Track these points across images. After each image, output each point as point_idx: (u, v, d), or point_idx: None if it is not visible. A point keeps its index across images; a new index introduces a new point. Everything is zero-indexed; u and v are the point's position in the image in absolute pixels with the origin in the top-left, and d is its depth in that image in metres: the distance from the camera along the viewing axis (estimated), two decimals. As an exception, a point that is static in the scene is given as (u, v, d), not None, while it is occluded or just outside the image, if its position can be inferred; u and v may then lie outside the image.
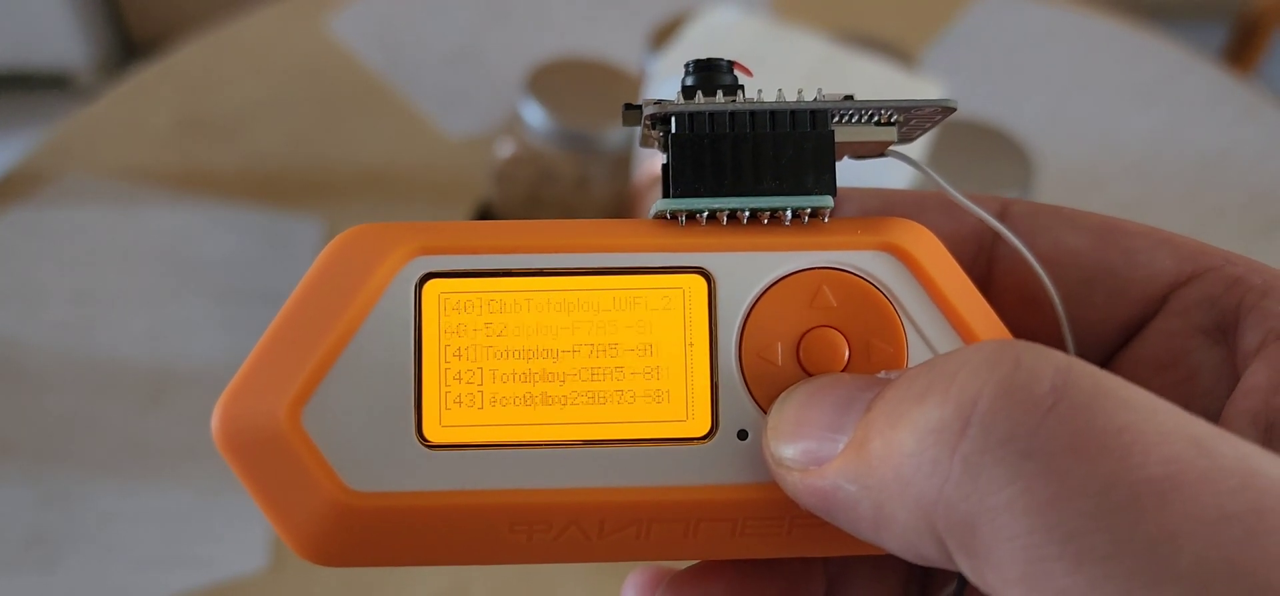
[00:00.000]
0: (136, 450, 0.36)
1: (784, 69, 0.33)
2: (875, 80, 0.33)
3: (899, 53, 0.45)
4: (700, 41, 0.34)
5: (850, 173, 0.14)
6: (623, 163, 0.40)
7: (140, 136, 0.48)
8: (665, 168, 0.13)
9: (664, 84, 0.33)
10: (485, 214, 0.45)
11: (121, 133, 0.48)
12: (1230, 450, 0.09)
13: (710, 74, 0.13)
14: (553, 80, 0.40)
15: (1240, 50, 0.76)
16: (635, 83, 0.41)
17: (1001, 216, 0.14)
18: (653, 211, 0.13)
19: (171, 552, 0.33)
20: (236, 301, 0.41)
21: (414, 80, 0.52)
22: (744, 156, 0.12)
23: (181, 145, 0.48)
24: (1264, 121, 0.54)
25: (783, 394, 0.13)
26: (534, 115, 0.39)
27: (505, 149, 0.42)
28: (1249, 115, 0.54)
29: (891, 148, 0.13)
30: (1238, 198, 0.49)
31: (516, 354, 0.13)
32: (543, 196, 0.41)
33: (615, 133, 0.39)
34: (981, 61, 0.56)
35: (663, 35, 0.42)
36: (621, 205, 0.41)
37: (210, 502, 0.35)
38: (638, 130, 0.13)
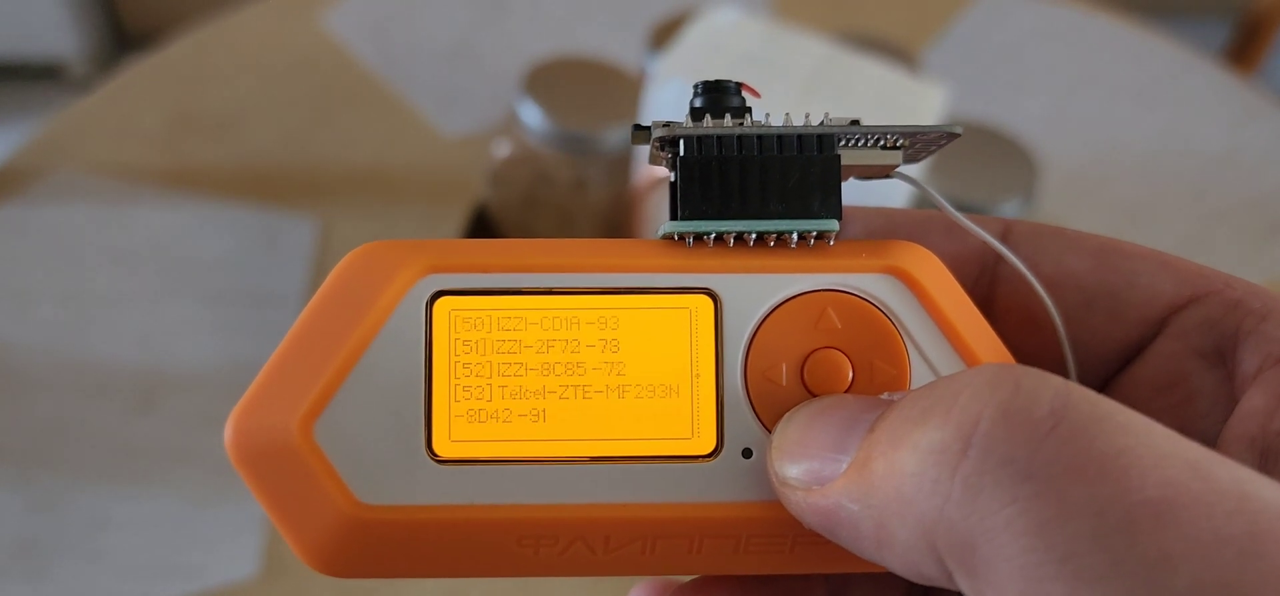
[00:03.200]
0: (127, 455, 0.36)
1: (785, 71, 0.33)
2: (877, 82, 0.33)
3: (900, 53, 0.45)
4: (701, 42, 0.34)
5: (854, 189, 0.14)
6: (621, 165, 0.40)
7: (132, 133, 0.48)
8: (673, 188, 0.13)
9: (664, 86, 0.33)
10: (481, 216, 0.45)
11: (113, 129, 0.48)
12: (1226, 474, 0.09)
13: (718, 95, 0.13)
14: (551, 80, 0.40)
15: (1243, 50, 0.76)
16: (635, 83, 0.41)
17: (1004, 237, 0.14)
18: (660, 232, 0.13)
19: (162, 560, 0.33)
20: (229, 302, 0.41)
21: (409, 77, 0.52)
22: (751, 179, 0.13)
23: (173, 142, 0.47)
24: (1268, 123, 0.54)
25: (787, 414, 0.13)
26: (531, 115, 0.39)
27: (502, 150, 0.42)
28: (1253, 116, 0.54)
29: (896, 171, 0.13)
30: (1242, 200, 0.49)
31: (525, 371, 0.13)
32: (539, 198, 0.41)
33: (614, 134, 0.39)
34: (983, 61, 0.56)
35: (663, 35, 0.42)
36: (620, 208, 0.41)
37: (202, 509, 0.34)
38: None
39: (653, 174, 0.36)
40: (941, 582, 0.11)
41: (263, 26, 0.54)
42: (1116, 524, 0.09)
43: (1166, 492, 0.09)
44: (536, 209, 0.42)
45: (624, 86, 0.40)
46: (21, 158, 0.46)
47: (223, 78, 0.51)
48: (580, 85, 0.40)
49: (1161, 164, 0.51)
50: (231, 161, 0.47)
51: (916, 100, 0.33)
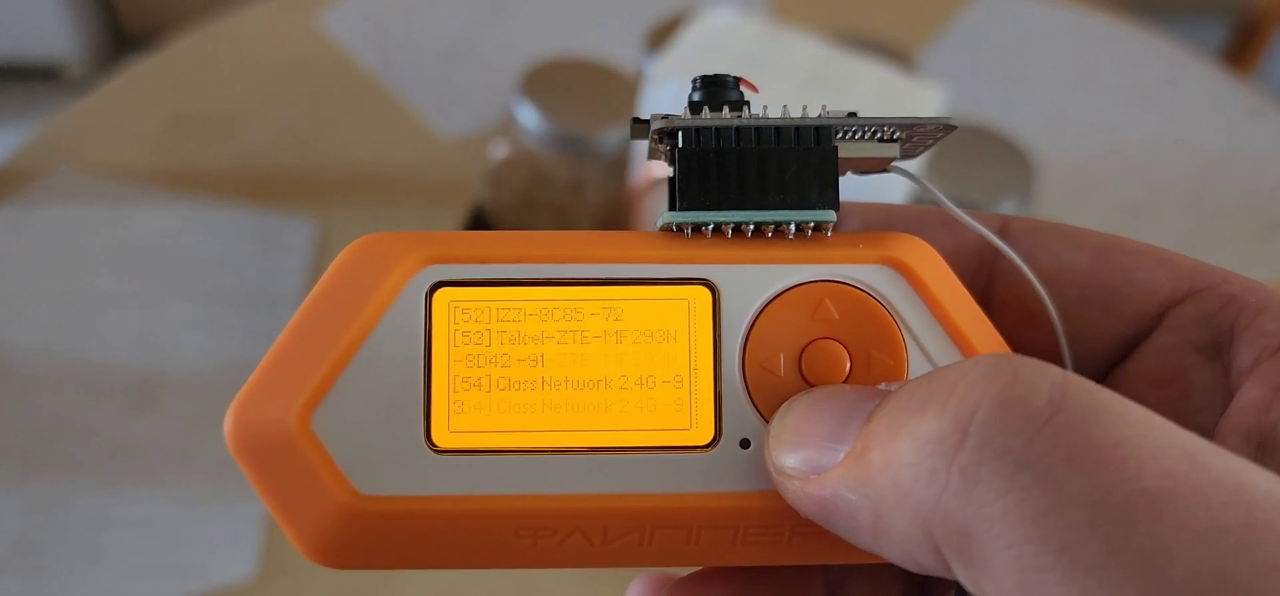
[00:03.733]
0: (125, 455, 0.36)
1: (782, 71, 0.33)
2: (874, 83, 0.33)
3: (897, 53, 0.46)
4: (698, 43, 0.34)
5: (853, 184, 0.14)
6: (618, 166, 0.40)
7: (130, 134, 0.48)
8: (671, 181, 0.13)
9: (662, 86, 0.33)
10: (479, 217, 0.45)
11: (111, 130, 0.48)
12: (1222, 464, 0.09)
13: (717, 89, 0.13)
14: (548, 81, 0.40)
15: (1241, 50, 0.77)
16: (632, 84, 0.41)
17: (1002, 233, 0.14)
18: (659, 223, 0.13)
19: (161, 560, 0.33)
20: (227, 303, 0.41)
21: (407, 78, 0.52)
22: (749, 171, 0.13)
23: (172, 143, 0.47)
24: (1266, 123, 0.54)
25: (785, 404, 0.13)
26: (528, 117, 0.39)
27: (499, 151, 0.42)
28: (1251, 117, 0.54)
29: (893, 164, 0.13)
30: (1240, 200, 0.49)
31: (524, 361, 0.13)
32: (537, 199, 0.41)
33: (611, 135, 0.39)
34: (981, 62, 0.57)
35: (660, 36, 0.42)
36: (617, 209, 0.41)
37: (200, 509, 0.34)
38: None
39: (650, 175, 0.36)
40: (939, 572, 0.11)
41: (261, 27, 0.54)
42: (1113, 513, 0.09)
43: (1163, 482, 0.09)
44: (534, 210, 0.42)
45: (621, 88, 0.41)
46: (20, 158, 0.46)
47: (221, 78, 0.51)
48: (578, 86, 0.40)
49: (1160, 164, 0.51)
50: (230, 162, 0.47)
51: (914, 101, 0.33)
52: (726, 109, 0.13)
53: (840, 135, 0.13)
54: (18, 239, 0.42)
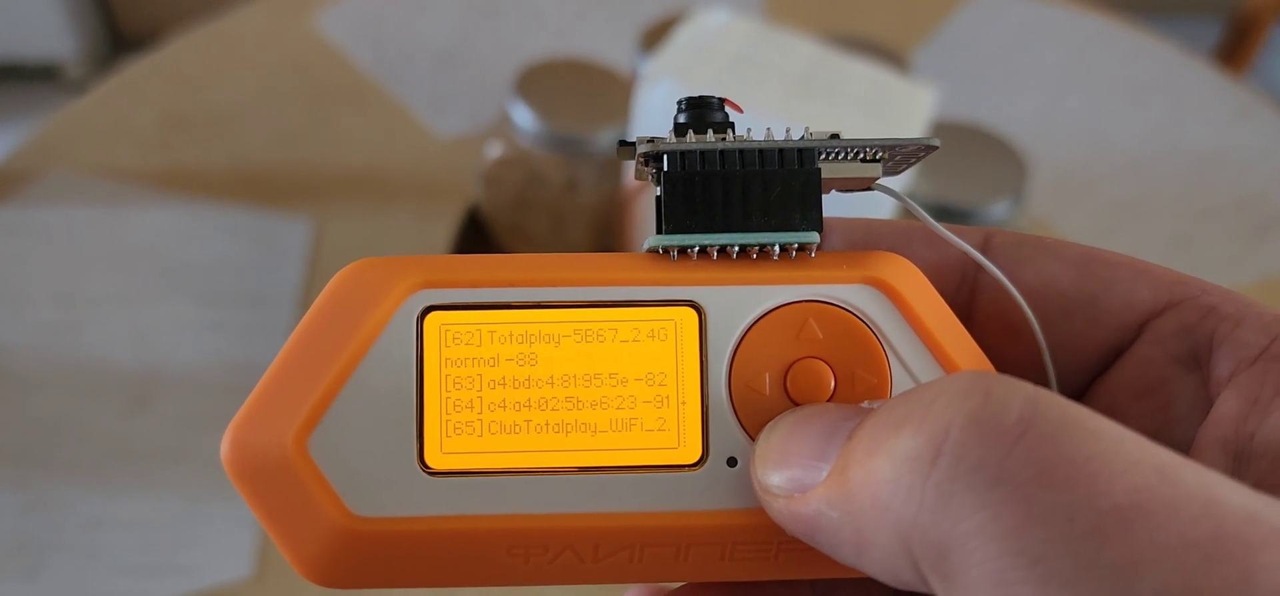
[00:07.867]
0: (121, 455, 0.36)
1: (775, 71, 0.33)
2: (866, 83, 0.34)
3: (891, 54, 0.46)
4: (692, 43, 0.34)
5: (838, 198, 0.14)
6: (612, 166, 0.40)
7: (126, 134, 0.48)
8: (658, 203, 0.13)
9: (655, 87, 0.33)
10: (474, 217, 0.45)
11: (107, 131, 0.48)
12: (1193, 478, 0.10)
13: (701, 111, 0.13)
14: (542, 81, 0.40)
15: (1234, 49, 0.77)
16: (626, 85, 0.41)
17: (984, 247, 0.15)
18: (645, 246, 0.13)
19: (156, 560, 0.33)
20: (223, 303, 0.41)
21: (403, 79, 0.52)
22: (734, 193, 0.13)
23: (168, 143, 0.47)
24: (1259, 122, 0.54)
25: (770, 423, 0.13)
26: (523, 117, 0.39)
27: (494, 151, 0.42)
28: (1244, 116, 0.54)
29: (877, 183, 0.13)
30: (1232, 199, 0.50)
31: (514, 383, 0.13)
32: (531, 199, 0.41)
33: (605, 136, 0.39)
34: (974, 61, 0.57)
35: (654, 36, 0.42)
36: (611, 209, 0.41)
37: (195, 509, 0.35)
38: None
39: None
40: (919, 588, 0.11)
41: (257, 28, 0.54)
42: (1085, 529, 0.09)
43: (1134, 498, 0.09)
44: (528, 210, 0.42)
45: (615, 88, 0.41)
46: (17, 159, 0.46)
47: (218, 79, 0.51)
48: (572, 86, 0.40)
49: (1152, 163, 0.52)
50: (226, 162, 0.47)
51: (906, 101, 0.33)
52: (711, 131, 0.13)
53: (823, 156, 0.13)
54: (13, 239, 0.42)
